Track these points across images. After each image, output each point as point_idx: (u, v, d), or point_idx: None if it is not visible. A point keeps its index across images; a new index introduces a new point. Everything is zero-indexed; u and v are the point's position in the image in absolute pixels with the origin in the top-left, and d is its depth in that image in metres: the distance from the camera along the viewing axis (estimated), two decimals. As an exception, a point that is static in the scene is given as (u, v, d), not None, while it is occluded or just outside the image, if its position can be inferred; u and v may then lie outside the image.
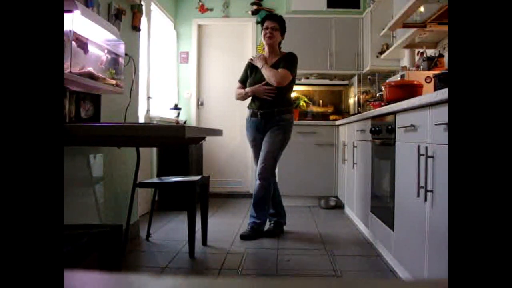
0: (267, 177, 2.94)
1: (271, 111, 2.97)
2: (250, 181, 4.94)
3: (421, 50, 3.28)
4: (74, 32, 1.69)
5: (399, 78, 2.94)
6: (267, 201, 2.98)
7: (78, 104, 1.93)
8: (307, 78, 4.72)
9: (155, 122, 3.94)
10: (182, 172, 3.76)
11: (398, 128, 2.04)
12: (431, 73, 2.66)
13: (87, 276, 0.33)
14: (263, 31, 3.06)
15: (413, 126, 1.79)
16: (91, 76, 1.83)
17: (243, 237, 2.86)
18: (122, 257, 2.30)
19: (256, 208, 2.97)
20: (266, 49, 3.10)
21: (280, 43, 3.12)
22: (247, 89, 3.07)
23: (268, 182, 2.95)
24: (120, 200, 2.63)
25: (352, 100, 4.65)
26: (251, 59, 3.20)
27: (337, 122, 4.21)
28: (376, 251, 2.56)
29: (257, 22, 4.92)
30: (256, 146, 3.10)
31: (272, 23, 3.01)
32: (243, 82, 3.19)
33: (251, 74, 3.13)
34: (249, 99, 3.15)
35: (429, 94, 1.56)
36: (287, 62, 3.00)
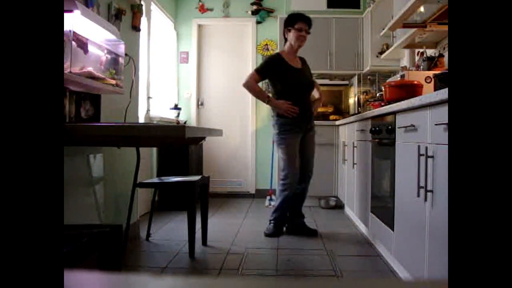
0: None
1: (310, 114, 3.08)
2: (250, 181, 4.94)
3: (421, 50, 3.28)
4: (74, 32, 1.69)
5: (399, 78, 2.94)
6: None
7: (78, 104, 1.93)
8: (307, 78, 4.72)
9: (155, 122, 3.94)
10: (182, 172, 3.76)
11: (398, 128, 2.04)
12: (431, 73, 2.66)
13: (87, 276, 0.33)
14: (296, 32, 2.93)
15: (413, 126, 1.79)
16: (91, 76, 1.83)
17: (315, 233, 3.01)
18: (122, 257, 2.30)
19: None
20: (294, 49, 3.01)
21: None
22: (275, 102, 2.95)
23: None
24: (120, 200, 2.63)
25: (352, 100, 4.65)
26: (277, 56, 3.06)
27: (337, 122, 4.20)
28: (376, 251, 2.56)
29: (257, 22, 4.93)
30: (297, 149, 3.02)
31: (306, 25, 2.96)
32: (264, 76, 3.00)
33: (287, 74, 2.96)
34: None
35: (429, 94, 1.56)
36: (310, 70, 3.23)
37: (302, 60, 3.14)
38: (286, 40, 3.06)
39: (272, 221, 3.05)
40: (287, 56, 3.02)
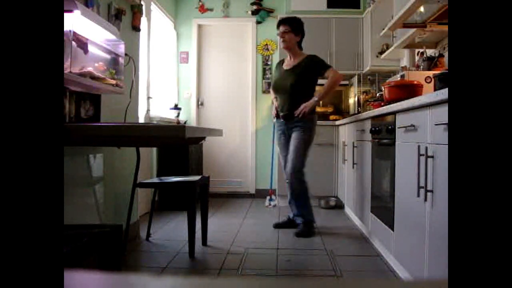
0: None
1: (290, 114, 3.12)
2: (250, 181, 4.94)
3: (421, 50, 3.28)
4: (74, 32, 1.69)
5: (399, 78, 2.94)
6: None
7: (78, 104, 1.93)
8: (307, 78, 4.71)
9: (155, 122, 3.94)
10: (182, 172, 3.76)
11: (398, 128, 2.04)
12: (431, 73, 2.66)
13: (87, 276, 0.33)
14: (279, 35, 3.17)
15: (413, 126, 1.79)
16: (91, 76, 1.83)
17: (300, 234, 2.97)
18: (122, 257, 2.30)
19: None
20: (287, 52, 3.20)
21: (300, 42, 3.18)
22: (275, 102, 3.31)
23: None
24: (120, 200, 2.63)
25: (352, 100, 4.65)
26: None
27: (337, 122, 4.20)
28: (376, 251, 2.56)
29: (257, 22, 4.93)
30: (282, 148, 3.30)
31: (284, 26, 3.09)
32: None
33: (274, 76, 3.28)
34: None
35: (429, 94, 1.56)
36: (320, 63, 3.12)
37: (307, 58, 3.13)
38: None
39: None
40: (286, 59, 3.27)
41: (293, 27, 3.08)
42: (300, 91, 3.08)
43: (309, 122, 3.12)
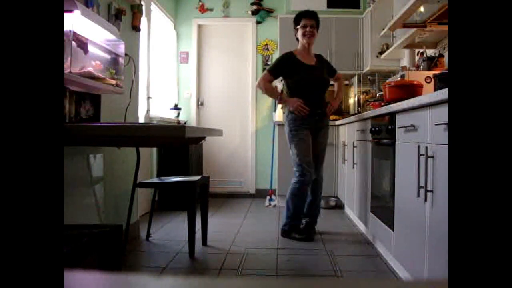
0: None
1: (322, 112, 3.00)
2: (250, 181, 4.94)
3: (421, 50, 3.28)
4: (74, 32, 1.69)
5: (399, 78, 2.94)
6: None
7: (78, 104, 1.93)
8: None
9: (155, 122, 3.94)
10: (182, 172, 3.76)
11: (398, 128, 2.04)
12: (431, 73, 2.66)
13: (87, 276, 0.33)
14: (301, 29, 2.95)
15: (413, 126, 1.79)
16: (91, 76, 1.83)
17: (304, 239, 2.84)
18: (122, 257, 2.30)
19: None
20: (306, 47, 2.98)
21: None
22: (286, 99, 2.94)
23: None
24: (120, 200, 2.63)
25: (352, 100, 4.65)
26: (290, 53, 3.02)
27: (337, 122, 4.20)
28: (376, 251, 2.56)
29: (257, 22, 4.93)
30: (309, 144, 2.98)
31: (311, 21, 2.96)
32: (276, 75, 2.99)
33: (297, 71, 2.92)
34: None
35: (429, 94, 1.56)
36: (330, 64, 3.22)
37: (319, 57, 3.09)
38: (298, 40, 3.07)
39: (287, 220, 2.94)
40: (300, 54, 3.01)
41: (318, 25, 3.04)
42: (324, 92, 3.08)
43: (329, 122, 3.16)
